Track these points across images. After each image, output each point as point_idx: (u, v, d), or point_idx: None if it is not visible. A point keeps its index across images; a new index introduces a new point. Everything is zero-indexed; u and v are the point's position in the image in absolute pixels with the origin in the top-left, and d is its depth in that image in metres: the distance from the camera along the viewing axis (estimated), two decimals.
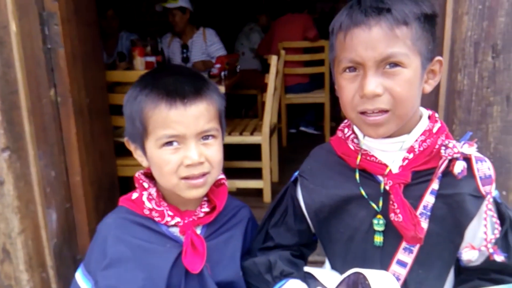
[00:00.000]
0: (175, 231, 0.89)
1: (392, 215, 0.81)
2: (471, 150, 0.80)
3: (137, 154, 0.91)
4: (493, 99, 1.17)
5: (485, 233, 0.80)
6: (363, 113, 0.79)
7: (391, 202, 0.81)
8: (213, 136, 0.87)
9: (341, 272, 0.89)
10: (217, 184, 0.96)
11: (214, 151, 0.87)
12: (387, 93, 0.76)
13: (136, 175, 0.92)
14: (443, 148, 0.81)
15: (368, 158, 0.85)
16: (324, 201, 0.88)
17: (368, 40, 0.75)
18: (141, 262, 0.86)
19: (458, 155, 0.80)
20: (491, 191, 0.81)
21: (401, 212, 0.79)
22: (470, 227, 0.82)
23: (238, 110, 4.50)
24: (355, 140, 0.88)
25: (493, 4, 1.10)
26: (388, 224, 0.84)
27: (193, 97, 0.84)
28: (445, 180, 0.82)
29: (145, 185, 0.90)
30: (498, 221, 0.81)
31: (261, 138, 2.66)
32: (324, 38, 3.75)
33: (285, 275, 0.89)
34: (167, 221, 0.88)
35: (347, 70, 0.79)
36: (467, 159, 0.81)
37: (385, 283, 0.74)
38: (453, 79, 1.19)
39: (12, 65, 1.12)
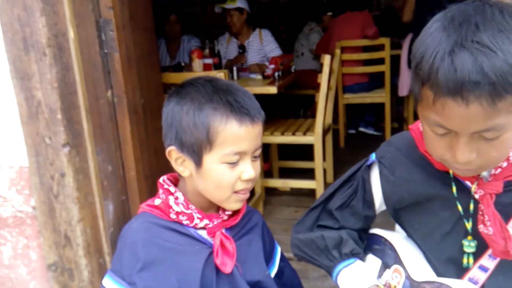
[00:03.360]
0: (203, 233, 0.92)
1: (481, 226, 0.78)
2: None
3: (180, 164, 0.90)
4: None
5: None
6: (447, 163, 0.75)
7: (480, 213, 0.78)
8: (259, 153, 0.91)
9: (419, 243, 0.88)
10: None
11: (259, 167, 0.91)
12: (480, 157, 0.70)
13: (161, 180, 0.94)
14: None
15: None
16: (404, 196, 0.87)
17: (464, 116, 0.65)
18: (174, 264, 0.88)
19: None
20: None
21: (491, 225, 0.76)
22: None
23: (297, 110, 4.53)
24: None
25: None
26: (474, 231, 0.81)
27: (258, 116, 0.87)
28: None
29: (172, 189, 0.92)
30: None
31: (314, 138, 2.66)
32: (384, 36, 3.66)
33: (353, 254, 0.90)
34: (196, 224, 0.90)
35: (435, 134, 0.72)
36: None
37: None
38: None
39: (70, 68, 1.24)
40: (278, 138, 2.78)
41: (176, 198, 0.91)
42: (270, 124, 2.99)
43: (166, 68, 3.08)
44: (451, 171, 0.82)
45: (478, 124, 0.66)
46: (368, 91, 3.81)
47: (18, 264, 1.44)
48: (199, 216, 0.90)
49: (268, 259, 1.03)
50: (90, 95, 1.34)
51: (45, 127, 1.27)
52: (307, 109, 4.44)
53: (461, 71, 0.63)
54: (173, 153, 0.90)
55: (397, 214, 0.91)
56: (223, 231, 0.93)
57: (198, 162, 0.87)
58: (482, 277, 0.81)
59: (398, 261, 0.86)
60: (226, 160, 0.85)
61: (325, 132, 2.79)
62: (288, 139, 2.76)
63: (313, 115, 4.05)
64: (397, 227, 0.98)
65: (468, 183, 0.81)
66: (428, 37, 0.68)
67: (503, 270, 0.81)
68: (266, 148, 3.08)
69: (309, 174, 2.92)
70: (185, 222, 0.91)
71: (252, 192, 2.73)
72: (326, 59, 2.60)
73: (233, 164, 0.85)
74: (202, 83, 0.88)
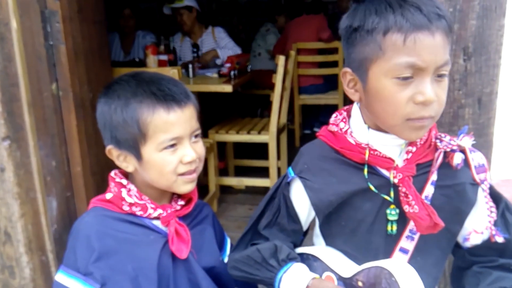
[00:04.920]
0: (157, 223, 0.94)
1: (406, 207, 0.83)
2: (469, 142, 0.85)
3: (122, 160, 0.93)
4: (465, 102, 1.16)
5: (489, 216, 0.86)
6: (410, 119, 0.78)
7: (402, 195, 0.83)
8: (198, 134, 0.94)
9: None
10: None
11: (201, 148, 0.94)
12: (436, 101, 0.78)
13: (112, 174, 0.95)
14: (438, 141, 0.86)
15: (372, 152, 0.86)
16: (333, 200, 0.89)
17: (433, 46, 0.75)
18: (129, 254, 0.90)
19: (456, 148, 0.85)
20: (486, 178, 0.87)
21: (416, 203, 0.81)
22: (471, 213, 0.88)
23: (255, 110, 4.56)
24: (353, 135, 0.88)
25: (464, 7, 1.10)
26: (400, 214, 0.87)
27: (185, 100, 0.90)
28: (441, 172, 0.86)
29: (124, 182, 0.94)
30: (493, 204, 0.87)
31: (268, 137, 2.69)
32: (338, 39, 3.76)
33: (290, 259, 0.90)
34: (150, 214, 0.92)
35: (401, 78, 0.76)
36: (461, 150, 0.86)
37: (412, 281, 0.75)
38: None
39: (12, 60, 1.20)
40: (233, 137, 2.80)
41: (129, 190, 0.93)
42: (226, 122, 3.00)
43: (121, 63, 3.02)
44: (365, 170, 0.86)
45: (441, 55, 0.76)
46: (323, 93, 3.90)
47: None
48: (153, 206, 0.93)
49: (220, 248, 1.07)
50: (33, 87, 1.30)
51: None
52: (265, 109, 4.48)
53: (425, 7, 0.74)
54: (113, 152, 0.93)
55: (327, 219, 0.92)
56: (177, 219, 0.95)
57: (138, 156, 0.89)
58: (404, 259, 0.87)
59: (326, 268, 0.89)
60: (163, 147, 0.88)
61: (279, 131, 2.83)
62: (243, 137, 2.78)
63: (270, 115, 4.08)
64: (314, 241, 1.00)
65: (384, 172, 0.87)
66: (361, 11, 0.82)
67: (420, 251, 0.87)
68: (222, 146, 3.09)
69: (264, 172, 2.95)
70: (138, 213, 0.92)
71: (207, 190, 2.73)
72: (281, 59, 2.64)
73: (172, 150, 0.88)
74: (126, 79, 0.91)
